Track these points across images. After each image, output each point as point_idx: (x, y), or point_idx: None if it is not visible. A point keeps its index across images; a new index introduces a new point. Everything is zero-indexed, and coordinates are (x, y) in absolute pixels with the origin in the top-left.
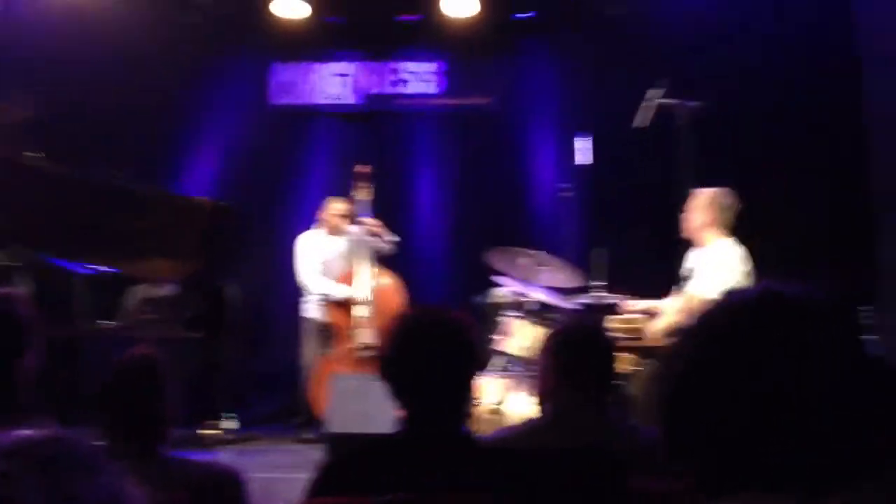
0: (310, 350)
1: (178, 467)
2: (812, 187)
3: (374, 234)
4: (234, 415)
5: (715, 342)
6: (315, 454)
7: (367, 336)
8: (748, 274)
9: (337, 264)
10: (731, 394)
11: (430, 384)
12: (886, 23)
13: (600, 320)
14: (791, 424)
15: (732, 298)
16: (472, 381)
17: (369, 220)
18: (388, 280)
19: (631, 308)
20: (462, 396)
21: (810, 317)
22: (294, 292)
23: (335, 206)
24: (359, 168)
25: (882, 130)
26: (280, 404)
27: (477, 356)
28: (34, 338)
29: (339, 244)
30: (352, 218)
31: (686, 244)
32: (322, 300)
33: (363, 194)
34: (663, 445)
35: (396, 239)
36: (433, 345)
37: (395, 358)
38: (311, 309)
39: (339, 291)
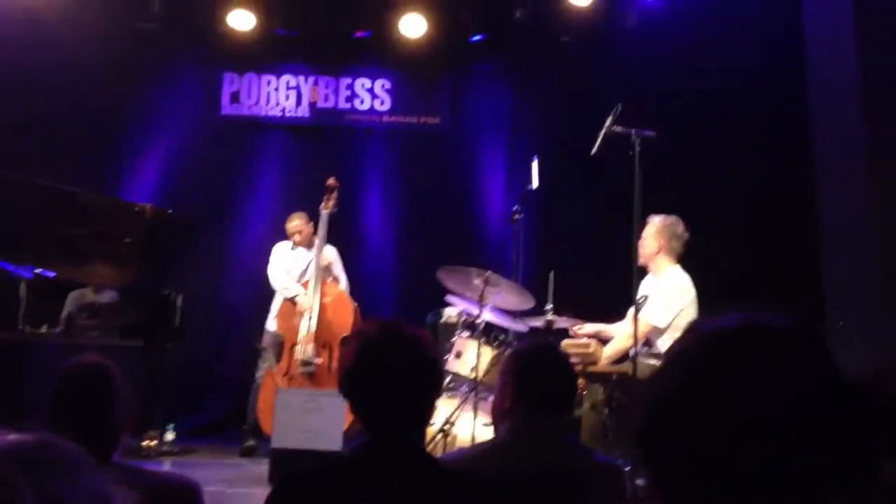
0: (263, 362)
1: (135, 476)
2: (760, 216)
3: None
4: (172, 426)
5: (698, 367)
6: (258, 469)
7: (309, 352)
8: (694, 301)
9: (302, 275)
10: (712, 417)
11: (391, 401)
12: (836, 57)
13: (555, 343)
14: (769, 446)
15: (715, 325)
16: (433, 399)
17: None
18: (336, 294)
19: (581, 332)
20: (423, 414)
21: (790, 344)
22: (244, 302)
23: (288, 225)
24: (330, 181)
25: (830, 162)
26: (224, 415)
27: (438, 374)
28: None
29: (304, 258)
30: (315, 230)
31: (639, 270)
32: (277, 312)
33: (331, 206)
34: (643, 464)
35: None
36: (394, 361)
37: (356, 373)
38: (270, 321)
39: (294, 288)
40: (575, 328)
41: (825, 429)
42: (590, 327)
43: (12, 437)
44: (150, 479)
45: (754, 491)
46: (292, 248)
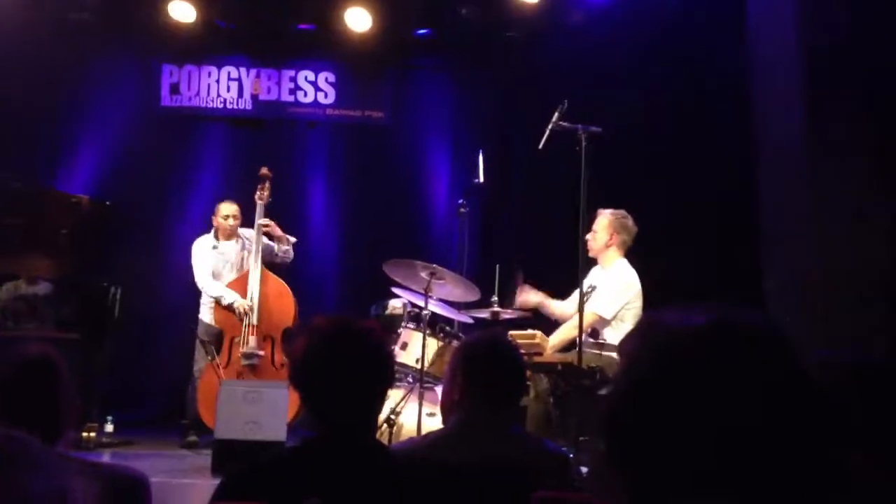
0: (200, 355)
1: (84, 468)
2: (702, 213)
3: (269, 236)
4: (110, 418)
5: (664, 362)
6: (201, 460)
7: (251, 343)
8: (639, 295)
9: (228, 268)
10: (678, 411)
11: (342, 392)
12: (777, 53)
13: (504, 334)
14: (733, 439)
15: (683, 322)
16: (384, 391)
17: (263, 221)
18: (277, 286)
19: (529, 300)
20: (374, 405)
21: (756, 339)
22: (182, 295)
23: (225, 210)
24: (263, 171)
25: (772, 155)
26: (163, 408)
27: (389, 366)
28: None
29: (232, 248)
30: (244, 220)
31: (586, 262)
32: (212, 304)
33: (264, 196)
34: (606, 456)
35: (293, 239)
36: (346, 353)
37: (307, 365)
38: (204, 312)
39: (228, 296)
40: (521, 293)
41: (795, 428)
42: (535, 297)
43: None
44: (101, 471)
45: (722, 488)
46: (214, 246)
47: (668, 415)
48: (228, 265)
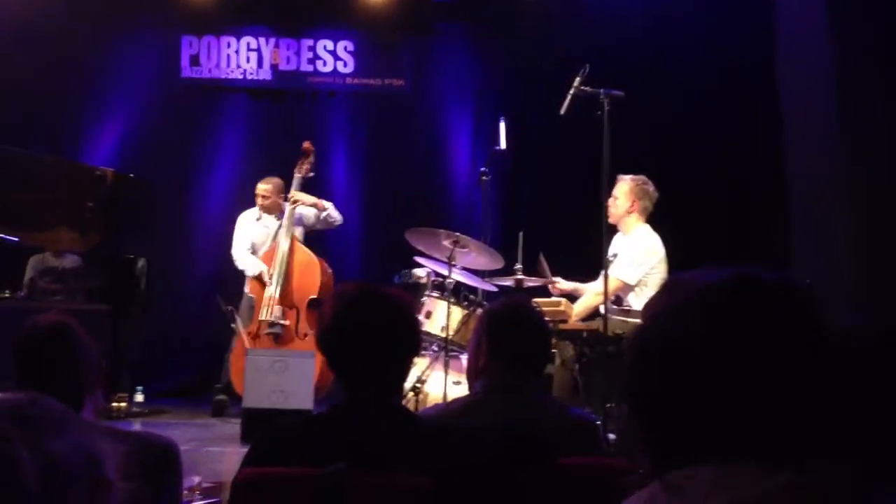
0: (240, 325)
1: (112, 435)
2: (729, 175)
3: (304, 205)
4: (140, 388)
5: (686, 319)
6: (230, 428)
7: (271, 313)
8: (664, 260)
9: (268, 242)
10: (702, 368)
11: (369, 359)
12: (804, 8)
13: (529, 301)
14: (760, 400)
15: (706, 279)
16: (410, 357)
17: (294, 195)
18: (304, 257)
19: (558, 287)
20: (400, 371)
21: (779, 292)
22: (208, 266)
23: (257, 189)
24: (305, 144)
25: (799, 119)
26: (193, 378)
27: (415, 332)
28: None
29: (274, 222)
30: (286, 195)
31: (609, 229)
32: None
33: (305, 170)
34: (630, 418)
35: (328, 204)
36: (372, 318)
37: (334, 330)
38: (247, 283)
39: (252, 267)
40: (552, 285)
41: (818, 385)
42: (567, 285)
43: (1, 395)
44: (130, 438)
45: (748, 445)
46: (258, 219)
47: (691, 372)
48: (270, 238)
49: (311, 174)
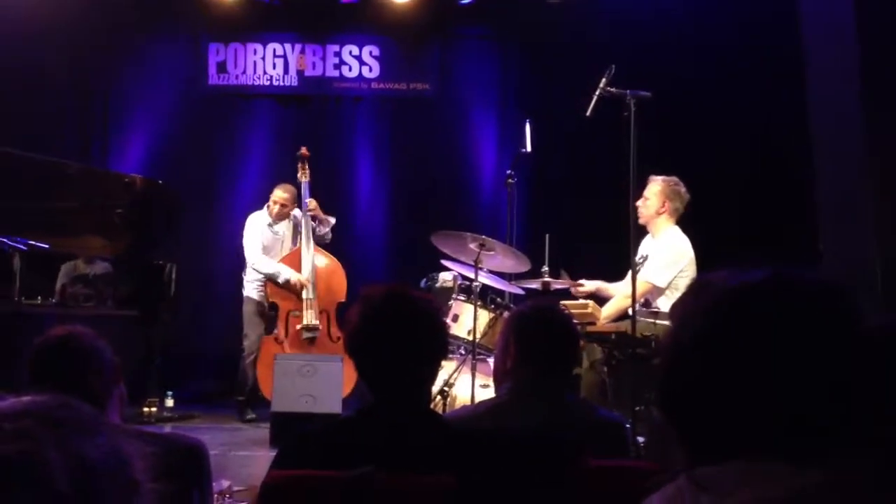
0: (251, 331)
1: (141, 437)
2: (757, 176)
3: (314, 217)
4: (170, 393)
5: (722, 319)
6: (259, 433)
7: (309, 317)
8: (693, 262)
9: (280, 246)
10: (736, 368)
11: (397, 362)
12: (832, 14)
13: (556, 303)
14: (792, 398)
15: (740, 278)
16: (438, 360)
17: (311, 204)
18: (329, 262)
19: (582, 290)
20: (427, 373)
21: (816, 292)
22: (234, 272)
23: (275, 196)
24: (301, 150)
25: (826, 119)
26: (220, 383)
27: (443, 335)
28: None
29: (285, 227)
30: (298, 201)
31: (637, 230)
32: (262, 281)
33: (304, 176)
34: (663, 418)
35: (332, 220)
36: (400, 322)
37: (362, 333)
38: (251, 289)
39: (283, 272)
40: (576, 287)
41: (852, 383)
42: (590, 285)
43: (30, 397)
44: (158, 439)
45: (778, 443)
46: (269, 224)
47: (726, 372)
48: (280, 243)
49: (310, 179)
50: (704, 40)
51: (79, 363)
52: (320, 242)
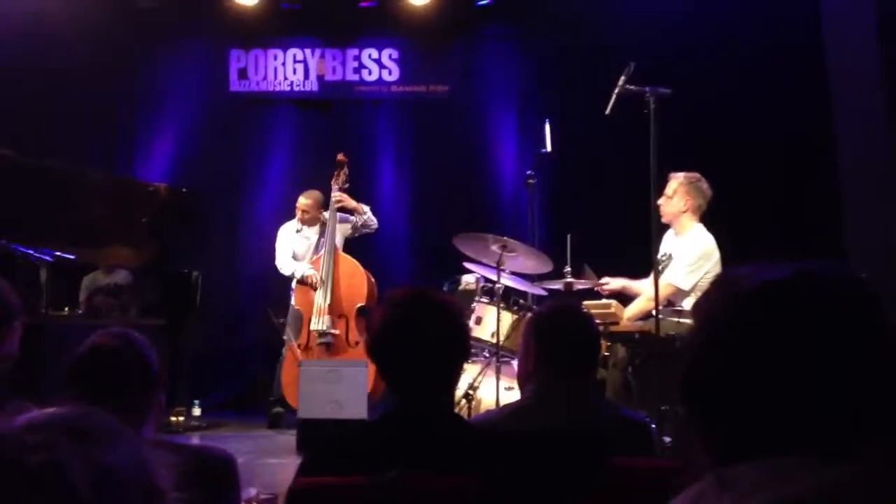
0: (289, 337)
1: (170, 448)
2: (779, 171)
3: (345, 210)
4: (197, 401)
5: (748, 317)
6: (286, 439)
7: (325, 324)
8: (719, 263)
9: (308, 253)
10: (763, 366)
11: (420, 365)
12: (853, 9)
13: (577, 304)
14: (819, 395)
15: (762, 274)
16: (461, 363)
17: (336, 196)
18: (348, 266)
19: (607, 288)
20: (451, 376)
21: (843, 289)
22: (259, 278)
23: (299, 202)
24: (339, 157)
25: (849, 113)
26: (247, 390)
27: (465, 338)
28: (16, 325)
29: (315, 232)
30: (325, 205)
31: (659, 228)
32: (293, 287)
33: (341, 181)
34: (686, 417)
35: (366, 207)
36: (423, 325)
37: (385, 338)
38: (293, 296)
39: (299, 269)
40: (600, 286)
41: (880, 380)
42: (615, 283)
43: (52, 408)
44: (187, 451)
45: (804, 440)
46: (298, 230)
47: (752, 369)
48: (310, 249)
49: (347, 185)
50: (726, 37)
51: (121, 370)
52: (367, 232)
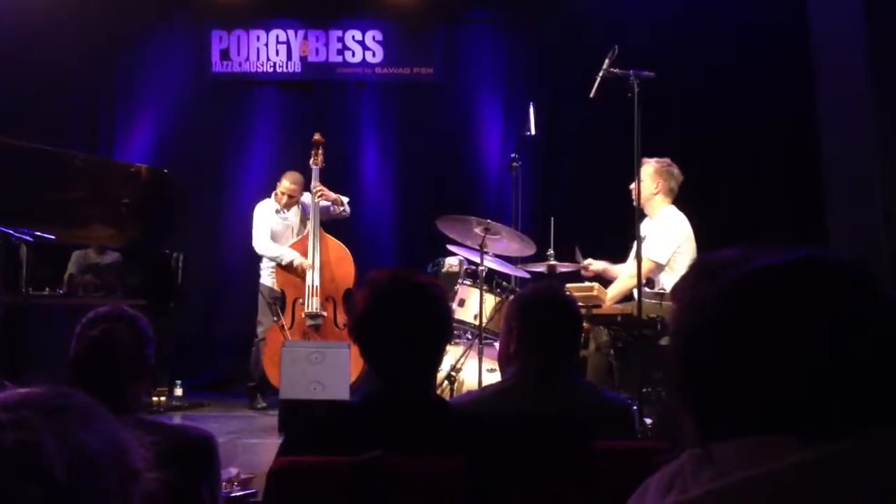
0: (264, 317)
1: (151, 427)
2: (762, 156)
3: (326, 199)
4: (179, 382)
5: (748, 301)
6: (268, 420)
7: (312, 305)
8: (691, 239)
9: (290, 233)
10: (762, 349)
11: (402, 347)
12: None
13: (559, 286)
14: (824, 375)
15: (764, 261)
16: (443, 345)
17: (318, 187)
18: (336, 249)
19: (592, 268)
20: (433, 357)
21: (845, 274)
22: (241, 260)
23: (282, 186)
24: (315, 136)
25: (832, 97)
26: (229, 371)
27: (448, 320)
28: None
29: (294, 213)
30: (307, 187)
31: (641, 212)
32: (273, 268)
33: (318, 161)
34: (676, 398)
35: (346, 199)
36: (405, 306)
37: (367, 320)
38: (266, 276)
39: (287, 255)
40: (584, 263)
41: (871, 359)
42: (598, 265)
43: (27, 389)
44: (167, 431)
45: (792, 419)
46: (277, 211)
47: (748, 353)
48: (290, 230)
49: (324, 164)
50: (711, 18)
51: (113, 350)
52: (339, 217)
